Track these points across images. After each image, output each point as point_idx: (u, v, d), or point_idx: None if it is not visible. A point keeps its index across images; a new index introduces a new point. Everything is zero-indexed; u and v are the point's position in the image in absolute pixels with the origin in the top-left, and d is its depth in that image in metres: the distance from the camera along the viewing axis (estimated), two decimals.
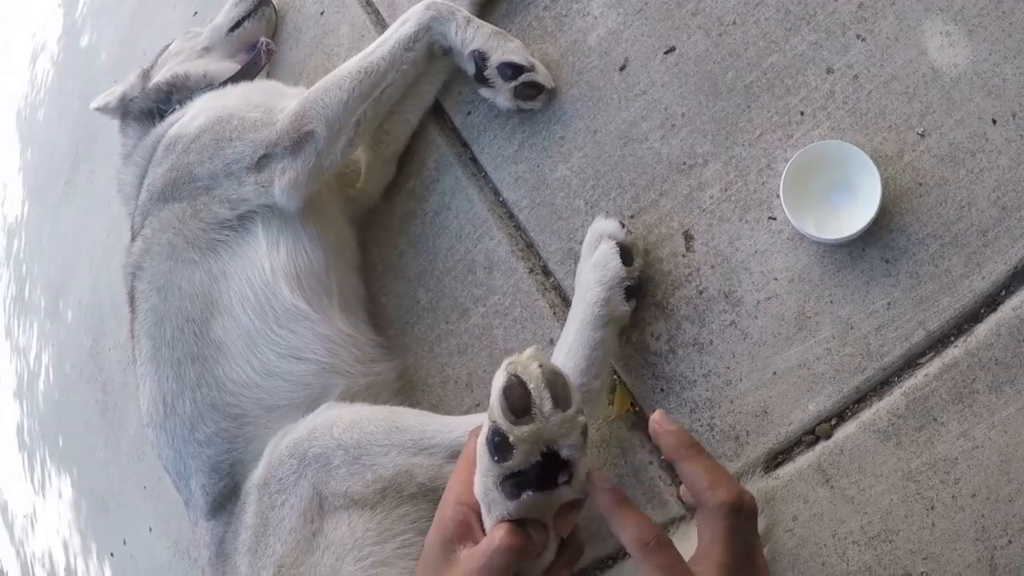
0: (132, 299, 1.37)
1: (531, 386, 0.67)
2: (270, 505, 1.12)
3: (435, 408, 1.33)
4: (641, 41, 1.24)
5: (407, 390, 1.40)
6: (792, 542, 1.03)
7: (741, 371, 1.10)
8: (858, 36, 1.08)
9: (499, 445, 0.68)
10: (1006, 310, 0.96)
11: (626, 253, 1.14)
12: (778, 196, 1.06)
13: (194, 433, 1.24)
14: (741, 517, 0.70)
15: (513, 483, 0.70)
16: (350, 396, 1.26)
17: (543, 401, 0.67)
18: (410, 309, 1.44)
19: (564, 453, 0.70)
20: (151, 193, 1.36)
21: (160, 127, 1.46)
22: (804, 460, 1.05)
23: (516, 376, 0.68)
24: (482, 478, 0.72)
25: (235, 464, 1.23)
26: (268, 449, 1.18)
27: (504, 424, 0.67)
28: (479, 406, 1.32)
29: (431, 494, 1.09)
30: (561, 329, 1.24)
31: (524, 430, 0.67)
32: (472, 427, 1.09)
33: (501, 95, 1.30)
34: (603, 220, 1.18)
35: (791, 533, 1.04)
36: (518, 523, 0.72)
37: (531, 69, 1.27)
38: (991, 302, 0.97)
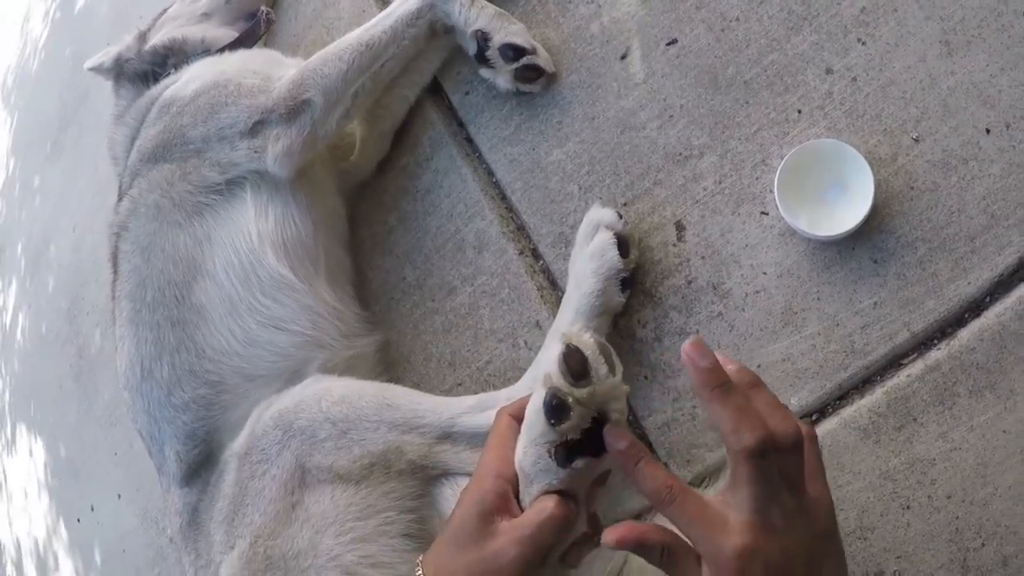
0: (115, 259, 1.35)
1: (587, 353, 0.72)
2: (250, 475, 1.11)
3: (417, 385, 1.33)
4: (644, 31, 1.24)
5: (390, 366, 1.40)
6: None
7: None
8: (859, 39, 1.08)
9: (556, 408, 0.72)
10: (990, 316, 0.97)
11: (623, 244, 1.13)
12: (771, 192, 1.07)
13: (170, 398, 1.23)
14: (770, 458, 0.65)
15: (567, 449, 0.73)
16: (329, 369, 1.25)
17: (599, 366, 0.72)
18: (396, 286, 1.43)
19: (613, 416, 0.74)
20: (142, 154, 1.35)
21: (155, 89, 1.44)
22: None
23: (573, 344, 0.72)
24: (532, 447, 0.75)
25: (211, 432, 1.23)
26: (251, 419, 1.18)
27: (564, 386, 0.71)
28: (461, 385, 1.32)
29: (420, 472, 1.09)
30: (548, 312, 1.24)
31: (583, 391, 0.71)
32: (465, 408, 1.11)
33: (501, 76, 1.29)
34: (600, 208, 1.17)
35: None
36: (560, 495, 0.75)
37: (533, 52, 1.27)
38: (976, 307, 0.98)
